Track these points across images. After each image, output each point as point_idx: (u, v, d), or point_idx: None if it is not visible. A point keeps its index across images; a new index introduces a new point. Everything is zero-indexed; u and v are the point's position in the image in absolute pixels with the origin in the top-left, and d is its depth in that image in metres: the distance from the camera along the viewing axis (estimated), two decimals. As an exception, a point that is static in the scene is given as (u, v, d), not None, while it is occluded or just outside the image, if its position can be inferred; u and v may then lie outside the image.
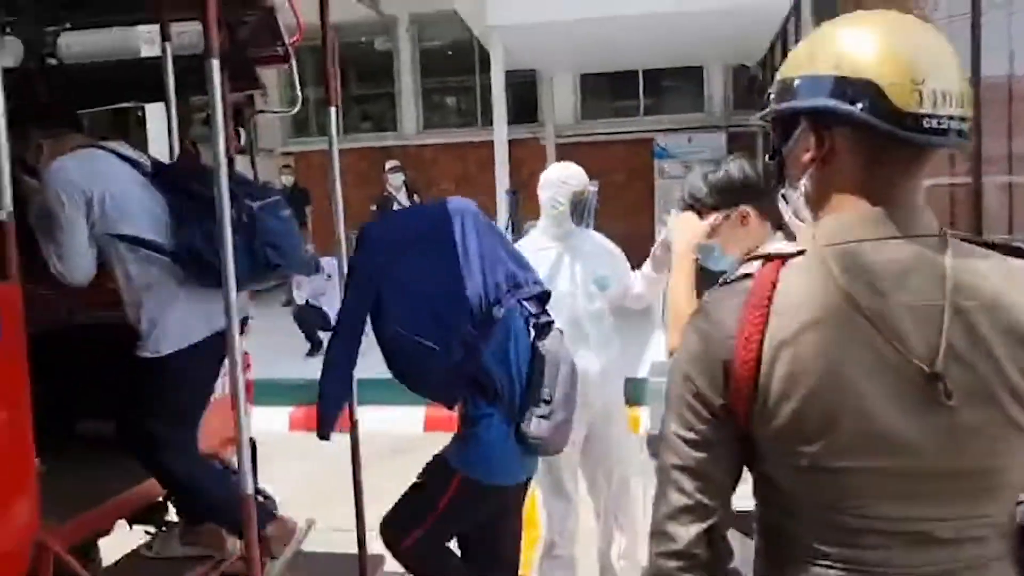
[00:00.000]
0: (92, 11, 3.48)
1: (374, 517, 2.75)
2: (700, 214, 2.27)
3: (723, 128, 12.40)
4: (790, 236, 2.14)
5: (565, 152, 12.13)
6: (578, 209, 3.37)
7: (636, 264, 3.45)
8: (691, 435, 1.17)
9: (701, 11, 7.98)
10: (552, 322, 2.73)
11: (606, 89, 13.47)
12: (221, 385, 2.94)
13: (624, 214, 9.67)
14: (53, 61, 3.62)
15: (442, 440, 2.81)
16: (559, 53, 10.64)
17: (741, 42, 9.85)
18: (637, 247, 3.66)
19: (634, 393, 3.99)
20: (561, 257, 3.37)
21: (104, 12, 3.48)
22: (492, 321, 2.53)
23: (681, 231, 2.27)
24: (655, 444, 3.81)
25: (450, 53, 13.40)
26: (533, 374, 2.59)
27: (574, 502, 3.48)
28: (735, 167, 2.27)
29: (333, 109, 3.14)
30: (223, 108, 2.35)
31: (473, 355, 2.52)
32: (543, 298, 2.75)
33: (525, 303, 2.65)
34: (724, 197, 2.24)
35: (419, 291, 2.53)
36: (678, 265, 2.25)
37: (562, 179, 3.37)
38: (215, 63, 2.21)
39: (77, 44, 3.67)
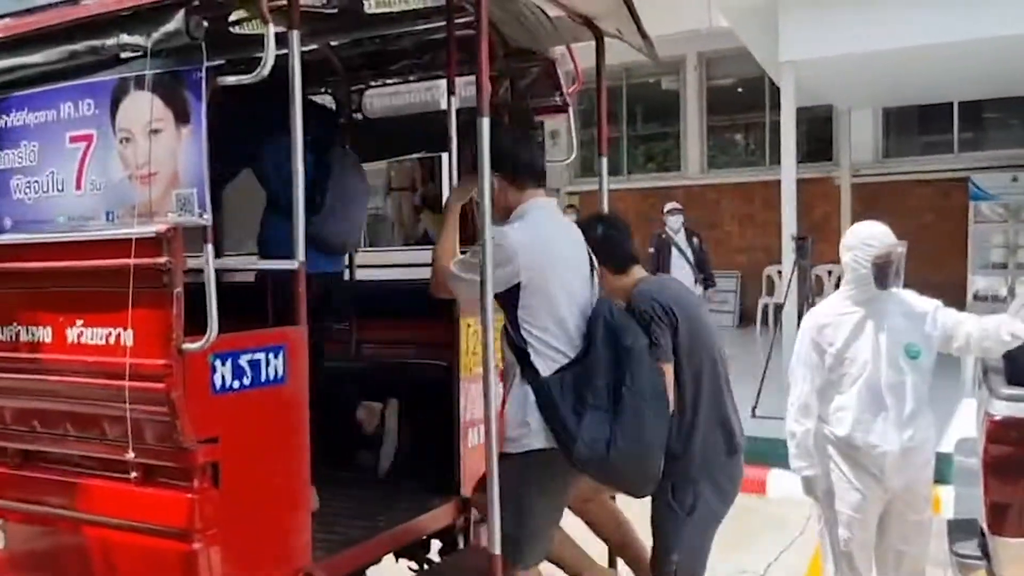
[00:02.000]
0: (391, 70, 3.78)
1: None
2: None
3: (1058, 165, 10.85)
4: None
5: (863, 192, 11.26)
6: (882, 272, 3.12)
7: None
8: None
9: (1036, 32, 6.97)
10: None
11: (913, 123, 12.29)
12: (476, 432, 2.99)
13: (931, 263, 8.68)
14: (359, 116, 3.98)
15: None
16: (858, 87, 9.89)
17: (1085, 66, 8.50)
18: (947, 301, 3.30)
19: (938, 471, 3.54)
20: (863, 322, 3.16)
21: (401, 71, 3.76)
22: None
23: (458, 192, 2.82)
24: (958, 532, 3.36)
25: (739, 90, 13.03)
26: None
27: None
28: (508, 137, 2.73)
29: (605, 159, 3.16)
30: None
31: None
32: None
33: None
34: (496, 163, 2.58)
35: None
36: (446, 220, 2.75)
37: (864, 240, 3.16)
38: (486, 121, 2.28)
39: (380, 99, 4.01)
